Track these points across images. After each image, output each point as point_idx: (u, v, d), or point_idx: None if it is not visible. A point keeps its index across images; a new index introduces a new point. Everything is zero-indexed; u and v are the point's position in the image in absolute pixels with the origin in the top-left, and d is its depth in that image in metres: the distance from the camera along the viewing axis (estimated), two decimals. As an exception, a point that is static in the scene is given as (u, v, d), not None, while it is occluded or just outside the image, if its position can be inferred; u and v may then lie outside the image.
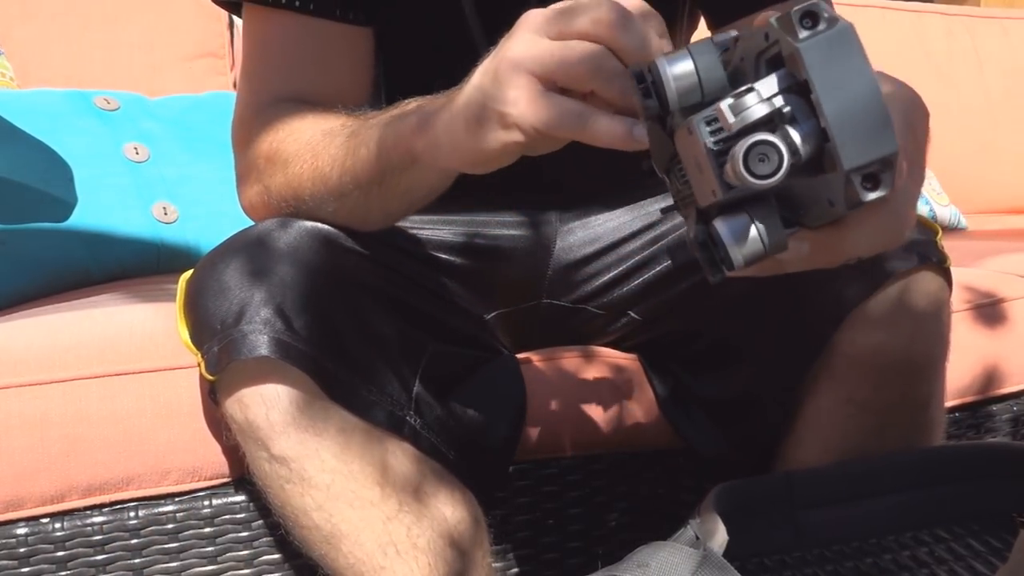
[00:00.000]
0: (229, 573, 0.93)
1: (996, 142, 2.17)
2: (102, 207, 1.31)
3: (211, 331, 0.74)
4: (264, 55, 0.88)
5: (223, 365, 0.73)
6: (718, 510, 0.66)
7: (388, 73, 0.92)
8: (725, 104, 0.46)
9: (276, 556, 0.94)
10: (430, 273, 0.89)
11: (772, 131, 0.44)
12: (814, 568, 0.69)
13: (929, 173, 1.95)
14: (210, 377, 0.75)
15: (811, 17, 0.43)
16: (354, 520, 0.75)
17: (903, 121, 0.49)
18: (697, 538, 0.63)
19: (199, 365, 0.76)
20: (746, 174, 0.44)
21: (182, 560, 0.92)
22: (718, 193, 0.46)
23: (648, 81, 0.50)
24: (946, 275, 0.82)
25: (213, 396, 0.78)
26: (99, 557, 0.90)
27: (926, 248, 0.80)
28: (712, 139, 0.46)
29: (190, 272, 0.80)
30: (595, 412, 0.99)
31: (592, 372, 0.99)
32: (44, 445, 0.86)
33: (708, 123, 0.46)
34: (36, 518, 0.88)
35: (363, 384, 0.78)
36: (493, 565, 0.83)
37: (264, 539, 0.94)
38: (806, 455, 0.84)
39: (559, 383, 0.98)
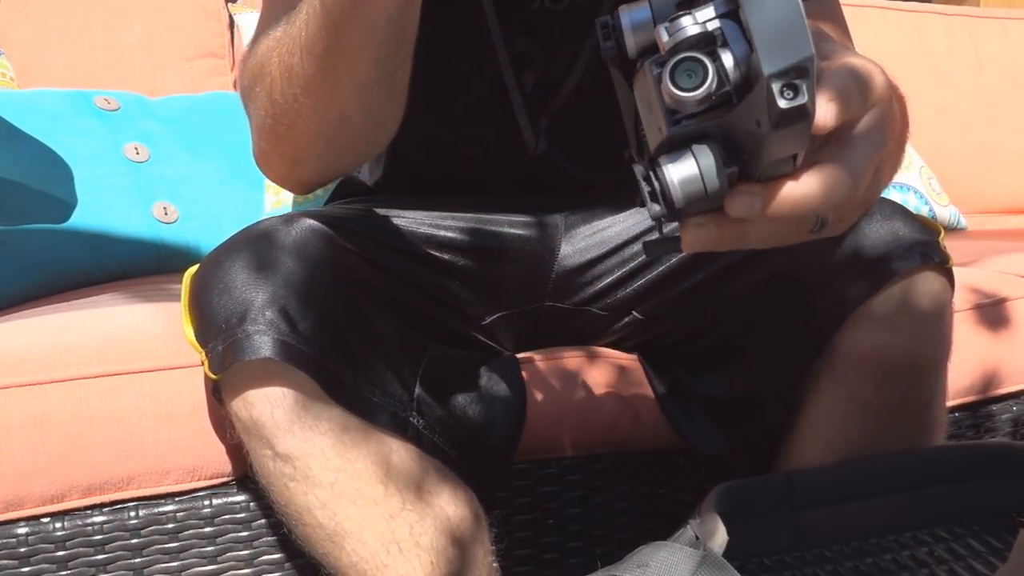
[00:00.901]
0: (229, 573, 0.93)
1: (996, 142, 2.17)
2: (102, 207, 1.31)
3: (215, 330, 0.74)
4: (271, 8, 0.87)
5: (227, 364, 0.73)
6: (718, 510, 0.66)
7: None
8: (662, 27, 0.48)
9: (276, 556, 0.94)
10: (432, 275, 0.89)
11: (709, 55, 0.47)
12: (814, 568, 0.68)
13: (929, 173, 1.95)
14: (214, 376, 0.75)
15: None
16: (357, 518, 0.75)
17: (854, 83, 0.50)
18: (697, 538, 0.63)
19: (203, 363, 0.76)
20: (673, 88, 0.46)
21: (182, 560, 0.92)
22: (664, 129, 0.48)
23: (610, 27, 0.51)
24: (948, 275, 0.82)
25: (217, 394, 0.79)
26: (99, 557, 0.90)
27: (928, 248, 0.80)
28: (657, 70, 0.48)
29: (195, 268, 0.80)
30: (595, 412, 0.99)
31: (592, 372, 0.99)
32: (44, 445, 0.86)
33: (659, 64, 0.48)
34: (36, 518, 0.89)
35: (366, 386, 0.78)
36: (494, 564, 0.83)
37: (264, 539, 0.94)
38: (808, 455, 0.84)
39: (559, 383, 0.98)
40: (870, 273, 0.79)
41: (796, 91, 0.44)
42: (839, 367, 0.81)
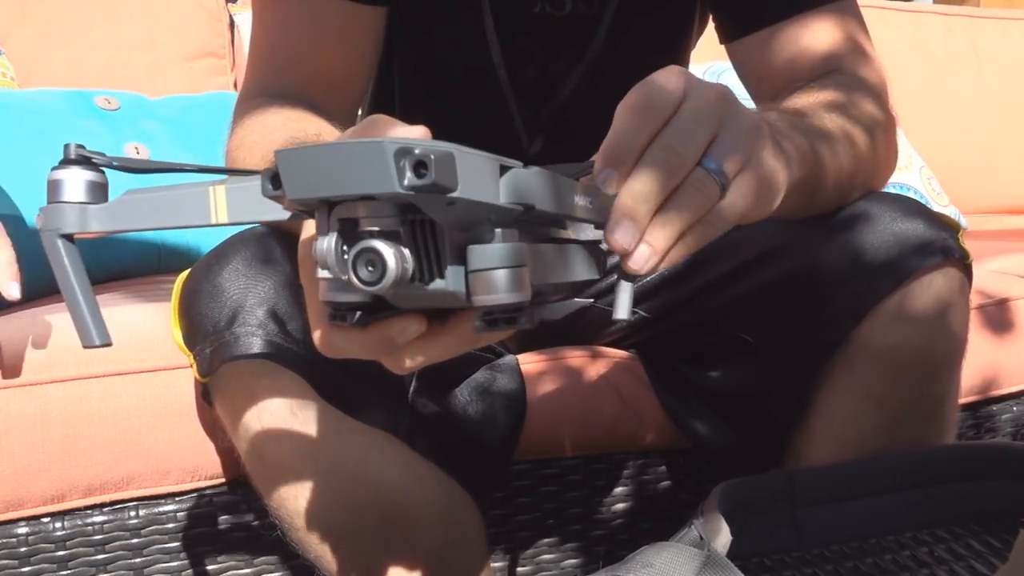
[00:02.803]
0: (229, 573, 0.93)
1: (995, 142, 2.17)
2: (102, 207, 1.31)
3: (204, 333, 0.73)
4: (261, 38, 0.88)
5: (215, 367, 0.73)
6: (721, 509, 0.66)
7: (400, 56, 0.93)
8: (318, 274, 0.43)
9: (276, 556, 0.94)
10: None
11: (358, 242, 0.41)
12: (814, 568, 0.68)
13: (929, 173, 1.95)
14: (202, 379, 0.75)
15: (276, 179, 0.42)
16: (349, 522, 0.75)
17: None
18: (701, 538, 0.62)
19: (192, 367, 0.76)
20: (368, 287, 0.41)
21: (182, 560, 0.92)
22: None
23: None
24: (967, 272, 0.81)
25: (207, 398, 0.78)
26: (100, 556, 0.90)
27: (948, 245, 0.79)
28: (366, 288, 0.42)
29: (185, 273, 0.80)
30: (595, 412, 0.99)
31: (592, 372, 0.99)
32: (44, 445, 0.86)
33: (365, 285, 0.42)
34: (37, 517, 0.89)
35: (358, 385, 0.77)
36: (492, 565, 0.83)
37: (264, 539, 0.94)
38: (819, 451, 0.83)
39: (559, 383, 0.98)
40: (890, 269, 0.78)
41: (422, 167, 0.38)
42: (855, 362, 0.80)
